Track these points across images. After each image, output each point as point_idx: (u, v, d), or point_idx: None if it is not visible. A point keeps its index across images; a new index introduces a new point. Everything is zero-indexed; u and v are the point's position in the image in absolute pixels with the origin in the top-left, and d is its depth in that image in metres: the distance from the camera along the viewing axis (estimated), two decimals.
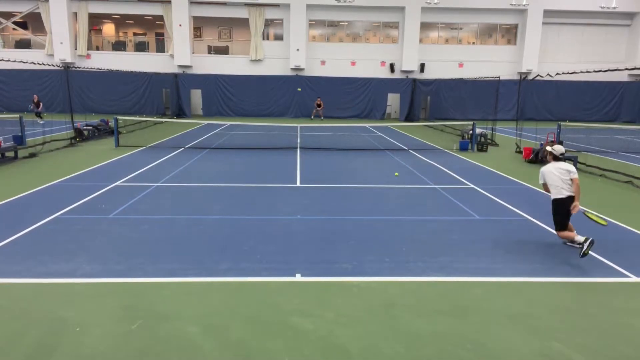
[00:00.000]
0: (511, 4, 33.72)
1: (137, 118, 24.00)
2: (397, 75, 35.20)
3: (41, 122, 24.67)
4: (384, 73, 35.11)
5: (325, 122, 29.98)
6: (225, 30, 37.39)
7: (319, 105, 32.67)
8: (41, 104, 26.49)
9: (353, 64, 35.12)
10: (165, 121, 27.11)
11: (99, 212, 8.67)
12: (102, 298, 5.29)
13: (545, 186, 7.27)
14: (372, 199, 10.25)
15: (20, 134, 16.31)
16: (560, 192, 6.98)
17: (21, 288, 5.58)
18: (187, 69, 34.35)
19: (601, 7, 33.81)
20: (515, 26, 35.81)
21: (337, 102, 34.19)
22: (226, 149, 17.39)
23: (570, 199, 6.91)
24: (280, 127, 23.70)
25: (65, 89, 24.87)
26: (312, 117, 32.86)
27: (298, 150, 17.16)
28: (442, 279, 5.98)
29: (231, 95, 34.04)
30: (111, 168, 13.18)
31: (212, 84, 33.79)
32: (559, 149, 7.33)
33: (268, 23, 35.33)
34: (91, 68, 27.38)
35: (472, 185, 11.59)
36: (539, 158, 15.08)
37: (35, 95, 27.13)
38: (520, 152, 16.98)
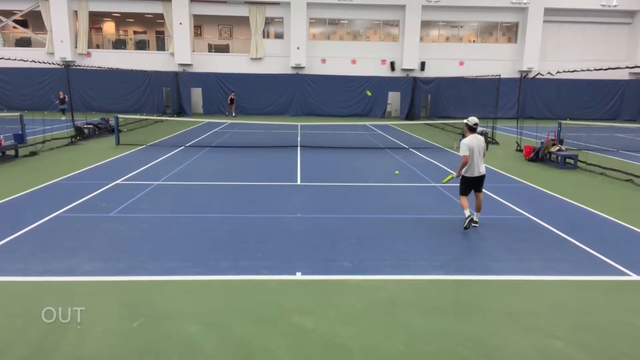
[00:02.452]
0: (512, 2, 33.67)
1: (138, 116, 23.99)
2: (397, 73, 35.16)
3: (63, 118, 24.54)
4: (384, 71, 35.08)
5: (323, 120, 29.90)
6: (225, 28, 37.36)
7: (232, 101, 32.32)
8: (66, 100, 26.42)
9: (353, 62, 35.09)
10: (166, 119, 27.12)
11: (100, 211, 8.68)
12: (102, 296, 5.30)
13: (465, 159, 7.52)
14: (372, 197, 10.26)
15: (20, 132, 16.32)
16: (478, 168, 7.64)
17: (22, 286, 5.59)
18: (188, 67, 34.33)
19: (602, 5, 33.74)
20: (516, 24, 35.76)
21: (338, 101, 34.20)
22: (226, 147, 17.38)
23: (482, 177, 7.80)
24: (280, 125, 23.70)
25: (65, 88, 24.88)
26: (226, 113, 32.60)
27: (298, 148, 17.15)
28: (442, 277, 5.98)
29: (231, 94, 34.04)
30: (112, 166, 13.18)
31: (212, 82, 33.80)
32: (472, 119, 7.69)
33: (268, 21, 35.30)
34: (91, 66, 27.39)
35: None
36: (539, 157, 15.08)
37: (60, 92, 26.96)
38: (520, 150, 16.97)
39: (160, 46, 36.40)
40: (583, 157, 14.36)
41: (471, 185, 7.84)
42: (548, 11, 34.48)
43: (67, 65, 23.36)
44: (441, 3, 33.32)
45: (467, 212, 7.65)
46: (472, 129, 7.72)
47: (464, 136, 8.12)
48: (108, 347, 4.31)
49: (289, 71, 34.51)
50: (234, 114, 32.39)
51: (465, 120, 7.82)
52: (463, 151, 7.51)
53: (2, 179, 11.38)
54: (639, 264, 6.45)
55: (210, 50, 36.17)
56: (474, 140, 7.58)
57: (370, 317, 4.94)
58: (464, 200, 7.82)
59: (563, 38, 35.88)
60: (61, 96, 26.55)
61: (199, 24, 36.67)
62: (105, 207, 8.92)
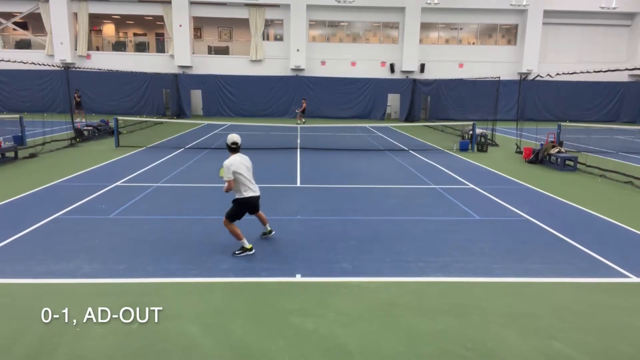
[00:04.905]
0: (511, 4, 33.72)
1: (137, 118, 23.98)
2: (397, 75, 35.20)
3: (83, 121, 24.14)
4: (384, 73, 35.11)
5: (322, 122, 29.87)
6: (225, 30, 37.40)
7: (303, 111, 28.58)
8: (79, 100, 26.15)
9: (353, 64, 35.12)
10: (166, 121, 27.12)
11: (99, 213, 8.68)
12: (102, 298, 5.29)
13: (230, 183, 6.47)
14: (372, 199, 10.25)
15: (20, 134, 16.31)
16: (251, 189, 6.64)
17: (22, 288, 5.59)
18: (187, 69, 34.36)
19: (601, 8, 33.81)
20: (516, 26, 35.81)
21: (337, 103, 34.21)
22: (226, 149, 17.33)
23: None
24: (280, 127, 23.70)
25: (65, 89, 24.85)
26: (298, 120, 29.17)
27: (298, 150, 17.16)
28: (442, 279, 5.98)
29: (231, 96, 34.05)
30: (111, 168, 13.18)
31: (212, 84, 33.80)
32: (230, 138, 6.71)
33: (268, 23, 35.34)
34: (91, 68, 27.40)
35: (472, 186, 11.60)
36: (539, 158, 15.09)
37: (76, 90, 26.55)
38: (520, 152, 16.98)
39: (160, 48, 36.42)
40: (583, 159, 14.37)
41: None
42: (547, 13, 34.53)
43: (67, 67, 23.30)
44: (441, 5, 33.36)
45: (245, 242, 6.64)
46: (231, 149, 6.73)
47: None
48: (108, 349, 4.30)
49: (289, 73, 34.54)
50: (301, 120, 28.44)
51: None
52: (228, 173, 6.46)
53: (2, 180, 11.38)
54: (638, 266, 6.45)
55: (210, 52, 36.19)
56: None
57: (370, 318, 4.94)
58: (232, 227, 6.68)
59: (562, 40, 35.92)
60: (75, 94, 26.33)
61: (199, 26, 36.71)
62: (105, 208, 8.92)
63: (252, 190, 6.63)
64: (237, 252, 6.61)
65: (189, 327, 4.69)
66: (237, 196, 6.62)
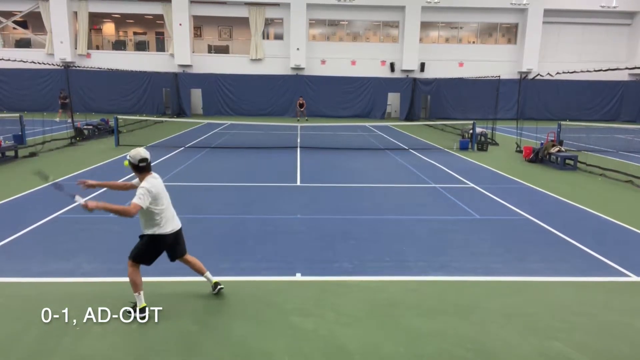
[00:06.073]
0: (511, 3, 33.68)
1: (137, 117, 23.97)
2: (397, 74, 35.16)
3: (56, 120, 24.44)
4: (384, 72, 35.08)
5: (323, 121, 29.87)
6: (225, 29, 37.37)
7: (301, 105, 30.48)
8: (63, 101, 26.25)
9: (353, 63, 35.10)
10: (166, 120, 27.08)
11: (99, 212, 8.64)
12: (102, 298, 5.29)
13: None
14: (372, 198, 10.25)
15: (20, 133, 16.31)
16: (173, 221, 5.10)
17: (21, 287, 5.59)
18: (187, 68, 34.32)
19: (601, 7, 33.78)
20: (516, 25, 35.78)
21: (338, 102, 34.19)
22: (226, 148, 17.37)
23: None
24: (280, 126, 23.70)
25: (65, 89, 24.85)
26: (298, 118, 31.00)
27: (298, 149, 17.15)
28: (442, 279, 5.98)
29: (231, 95, 34.03)
30: (111, 167, 13.17)
31: (212, 83, 33.78)
32: (135, 154, 4.79)
33: (268, 22, 35.31)
34: (91, 67, 27.37)
35: (472, 185, 11.59)
36: (539, 158, 15.09)
37: (61, 90, 26.49)
38: (520, 151, 16.98)
39: (160, 47, 36.39)
40: (583, 158, 14.36)
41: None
42: (547, 12, 34.50)
43: (67, 66, 23.30)
44: (441, 4, 33.34)
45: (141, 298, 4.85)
46: (138, 169, 4.83)
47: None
48: (107, 348, 4.30)
49: (289, 72, 34.51)
50: (306, 118, 30.57)
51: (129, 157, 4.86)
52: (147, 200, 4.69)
53: (2, 180, 11.37)
54: (638, 265, 6.45)
55: (210, 51, 36.17)
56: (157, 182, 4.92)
57: (370, 318, 4.94)
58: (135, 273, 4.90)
59: (562, 39, 35.90)
60: (61, 95, 26.37)
61: (199, 25, 36.67)
62: None
63: (171, 223, 5.02)
64: (127, 310, 4.82)
65: (189, 326, 4.68)
66: (151, 232, 4.83)
